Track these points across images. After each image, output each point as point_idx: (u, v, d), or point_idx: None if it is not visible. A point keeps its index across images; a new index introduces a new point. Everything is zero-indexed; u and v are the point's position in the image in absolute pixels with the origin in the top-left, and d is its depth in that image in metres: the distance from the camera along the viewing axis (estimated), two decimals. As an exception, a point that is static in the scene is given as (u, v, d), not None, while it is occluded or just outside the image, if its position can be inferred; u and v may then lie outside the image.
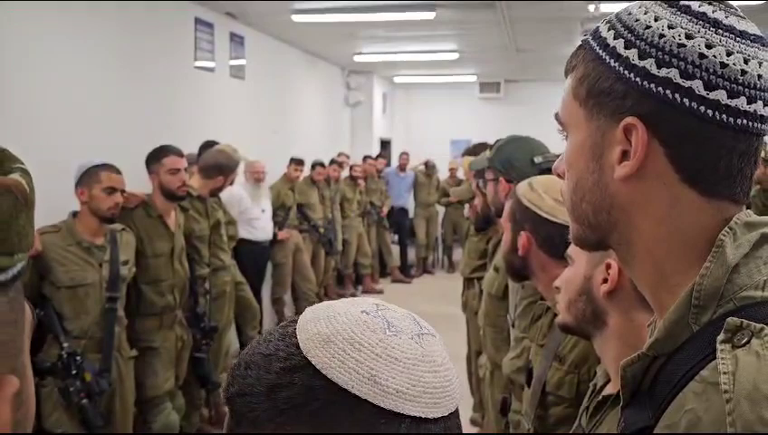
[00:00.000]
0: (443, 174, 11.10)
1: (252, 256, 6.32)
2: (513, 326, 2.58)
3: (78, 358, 3.37)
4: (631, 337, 1.33)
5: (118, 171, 3.65)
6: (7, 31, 3.97)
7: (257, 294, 6.32)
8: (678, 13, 0.80)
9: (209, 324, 4.68)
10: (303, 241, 7.70)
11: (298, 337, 0.73)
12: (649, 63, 0.79)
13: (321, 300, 6.77)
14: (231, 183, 5.43)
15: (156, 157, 4.15)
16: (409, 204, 11.26)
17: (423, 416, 0.70)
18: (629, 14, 0.84)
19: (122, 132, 4.87)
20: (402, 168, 11.10)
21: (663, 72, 0.78)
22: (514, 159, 2.72)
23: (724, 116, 0.78)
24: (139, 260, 3.95)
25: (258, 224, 6.48)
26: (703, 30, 0.79)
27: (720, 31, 0.79)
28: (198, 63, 6.20)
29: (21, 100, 4.05)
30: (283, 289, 7.37)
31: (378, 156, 10.63)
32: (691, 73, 0.78)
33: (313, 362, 0.70)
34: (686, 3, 0.81)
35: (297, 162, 7.52)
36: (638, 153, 0.80)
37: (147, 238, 4.05)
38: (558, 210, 1.93)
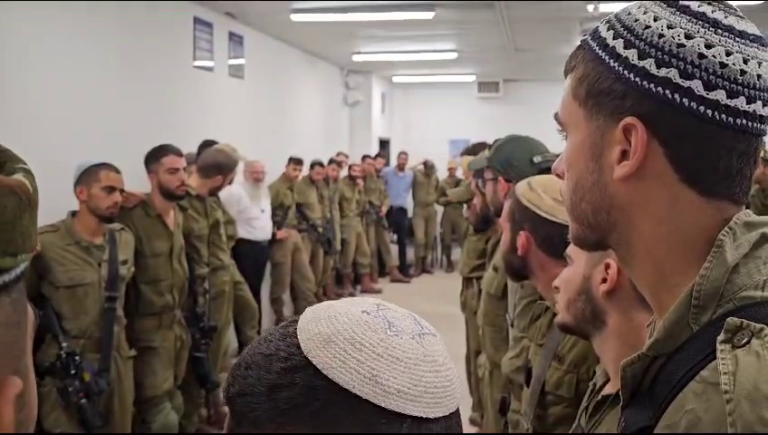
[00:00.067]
0: (442, 174, 11.10)
1: (251, 256, 6.32)
2: (512, 326, 2.58)
3: (77, 358, 3.37)
4: (630, 337, 1.33)
5: (117, 170, 3.65)
6: (7, 31, 3.97)
7: (256, 293, 6.32)
8: (678, 13, 0.80)
9: (208, 324, 4.67)
10: (302, 241, 7.70)
11: (299, 337, 0.73)
12: (649, 63, 0.79)
13: (319, 300, 6.81)
14: (230, 182, 5.43)
15: (155, 156, 4.15)
16: (408, 203, 11.26)
17: (424, 416, 0.70)
18: (629, 14, 0.84)
19: (121, 132, 4.87)
20: (401, 167, 11.10)
21: (662, 72, 0.78)
22: (513, 158, 2.72)
23: (723, 116, 0.78)
24: (137, 260, 3.95)
25: (257, 223, 6.48)
26: (702, 30, 0.79)
27: (719, 31, 0.79)
28: (197, 63, 6.20)
29: (20, 99, 4.04)
30: (282, 289, 7.37)
31: (376, 155, 10.63)
32: (690, 73, 0.78)
33: (314, 362, 0.70)
34: (686, 3, 0.81)
35: (296, 162, 7.52)
36: (638, 153, 0.80)
37: (146, 238, 4.05)
38: (557, 210, 1.93)
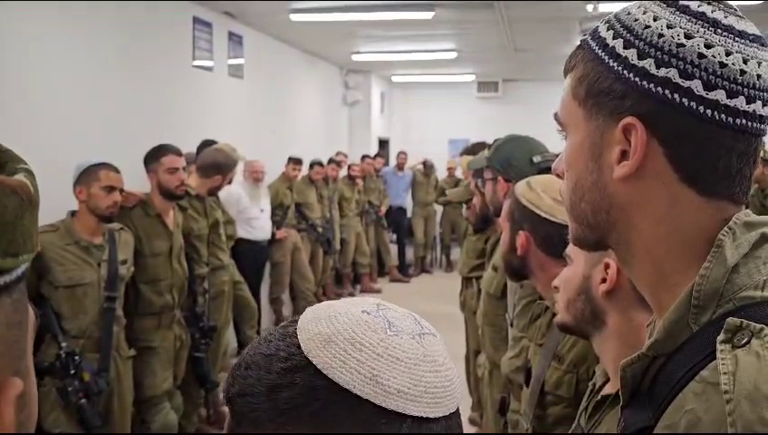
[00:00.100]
0: (441, 173, 11.10)
1: (250, 256, 6.33)
2: (511, 326, 2.58)
3: (76, 358, 3.37)
4: (630, 337, 1.33)
5: (116, 170, 3.65)
6: (7, 31, 3.97)
7: (256, 293, 6.33)
8: (677, 12, 0.80)
9: (208, 324, 4.67)
10: (302, 240, 7.70)
11: (299, 337, 0.73)
12: (648, 63, 0.79)
13: (319, 299, 6.81)
14: (229, 182, 5.43)
15: (154, 156, 4.15)
16: (407, 203, 11.27)
17: (424, 416, 0.70)
18: (628, 13, 0.84)
19: (120, 131, 4.88)
20: (400, 167, 11.11)
21: (662, 72, 0.78)
22: (513, 158, 2.72)
23: (723, 116, 0.78)
24: (137, 259, 3.94)
25: (257, 223, 6.48)
26: (702, 30, 0.79)
27: (719, 31, 0.79)
28: (197, 63, 6.21)
29: (20, 99, 4.05)
30: (282, 288, 7.37)
31: (376, 155, 10.64)
32: (690, 73, 0.78)
33: (314, 362, 0.70)
34: (685, 2, 0.81)
35: (295, 161, 7.52)
36: (638, 153, 0.80)
37: (145, 238, 4.04)
38: (556, 210, 1.93)
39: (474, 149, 5.36)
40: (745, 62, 0.78)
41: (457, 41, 8.81)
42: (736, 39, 0.79)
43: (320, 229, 8.09)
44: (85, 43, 4.62)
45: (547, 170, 2.27)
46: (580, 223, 0.90)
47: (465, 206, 4.17)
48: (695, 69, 0.78)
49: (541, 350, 2.01)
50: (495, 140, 2.95)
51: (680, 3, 0.81)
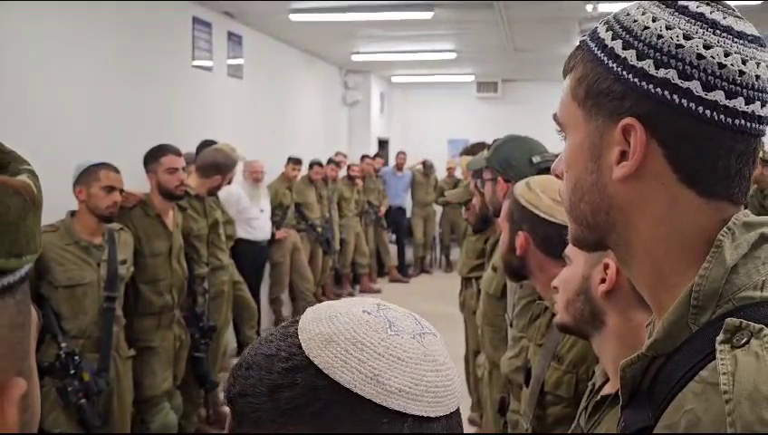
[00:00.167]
0: (441, 173, 11.11)
1: (250, 256, 6.33)
2: (511, 326, 2.58)
3: (76, 358, 3.37)
4: (630, 337, 1.34)
5: (116, 170, 3.65)
6: (7, 31, 3.97)
7: (255, 293, 6.32)
8: (676, 13, 0.81)
9: (207, 324, 4.67)
10: (301, 240, 7.70)
11: (300, 337, 0.73)
12: (648, 64, 0.79)
13: (318, 300, 6.82)
14: (229, 182, 5.43)
15: (154, 156, 4.15)
16: (407, 203, 11.27)
17: (425, 415, 0.70)
18: (627, 14, 0.84)
19: (120, 131, 4.88)
20: (399, 167, 11.11)
21: (661, 73, 0.79)
22: (512, 158, 2.72)
23: (722, 117, 0.78)
24: (137, 259, 3.94)
25: (257, 224, 6.48)
26: (701, 31, 0.79)
27: (718, 31, 0.79)
28: (196, 63, 6.21)
29: (19, 99, 4.04)
30: (281, 289, 7.37)
31: (375, 155, 10.64)
32: (689, 74, 0.78)
33: (316, 362, 0.70)
34: (684, 3, 0.81)
35: (295, 161, 7.53)
36: (637, 154, 0.80)
37: (145, 238, 4.04)
38: (556, 210, 1.93)
39: (473, 149, 5.36)
40: (744, 62, 0.78)
41: (457, 41, 8.81)
42: (735, 40, 0.79)
43: (319, 229, 8.09)
44: (85, 43, 4.62)
45: (546, 171, 2.26)
46: (580, 223, 0.90)
47: (463, 207, 4.16)
48: (694, 70, 0.78)
49: (540, 350, 2.01)
50: (495, 141, 2.95)
51: (679, 3, 0.81)
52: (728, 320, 0.73)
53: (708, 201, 0.81)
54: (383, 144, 12.59)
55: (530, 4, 6.40)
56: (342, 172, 9.34)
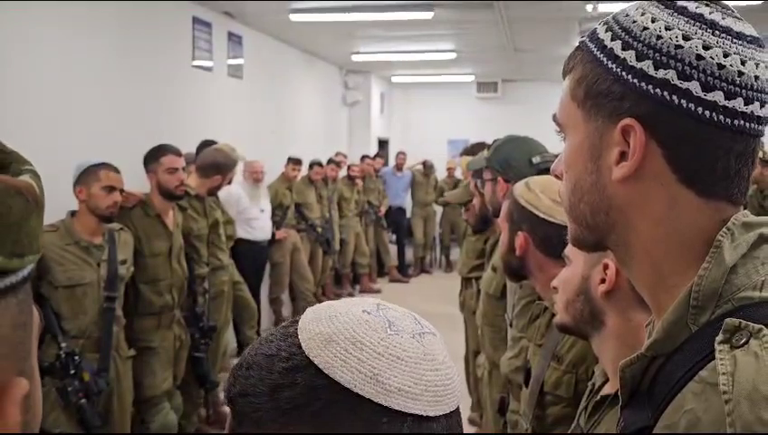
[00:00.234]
0: (441, 174, 11.11)
1: (250, 256, 6.33)
2: (510, 326, 2.58)
3: (76, 358, 3.37)
4: (629, 337, 1.34)
5: (117, 170, 3.66)
6: (7, 31, 3.97)
7: (255, 293, 6.32)
8: (675, 14, 0.81)
9: (208, 324, 4.68)
10: (301, 241, 7.70)
11: (300, 337, 0.73)
12: (647, 65, 0.79)
13: (318, 300, 6.82)
14: (229, 182, 5.43)
15: (154, 156, 4.15)
16: (407, 203, 11.27)
17: (425, 414, 0.70)
18: (627, 15, 0.84)
19: (120, 131, 4.88)
20: (399, 167, 11.11)
21: (661, 74, 0.79)
22: (512, 158, 2.72)
23: (721, 117, 0.78)
24: (137, 260, 3.95)
25: (257, 224, 6.48)
26: (700, 31, 0.79)
27: (717, 32, 0.79)
28: (196, 63, 6.21)
29: (20, 99, 4.04)
30: (281, 289, 7.37)
31: (375, 155, 10.64)
32: (689, 75, 0.78)
33: (315, 362, 0.70)
34: (683, 4, 0.81)
35: (295, 162, 7.53)
36: (636, 154, 0.80)
37: (145, 238, 4.05)
38: (555, 210, 1.93)
39: (473, 149, 5.37)
40: (743, 63, 0.78)
41: (457, 41, 8.81)
42: (734, 40, 0.79)
43: (319, 229, 8.09)
44: (85, 44, 4.63)
45: (546, 171, 2.26)
46: (579, 224, 0.90)
47: (463, 207, 4.17)
48: (693, 70, 0.78)
49: (540, 350, 2.01)
50: (495, 141, 2.95)
51: (678, 4, 0.81)
52: (727, 320, 0.73)
53: (707, 201, 0.81)
54: (383, 144, 12.60)
55: (530, 5, 6.41)
56: (342, 172, 9.34)
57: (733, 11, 0.82)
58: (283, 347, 0.73)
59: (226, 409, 0.75)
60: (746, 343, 0.71)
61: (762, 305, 0.75)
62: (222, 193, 5.21)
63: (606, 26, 0.86)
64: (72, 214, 3.60)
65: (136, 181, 4.15)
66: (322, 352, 0.71)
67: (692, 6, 0.81)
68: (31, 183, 0.59)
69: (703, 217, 0.81)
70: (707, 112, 0.78)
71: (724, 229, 0.79)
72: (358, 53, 9.52)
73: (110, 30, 4.89)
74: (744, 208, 0.83)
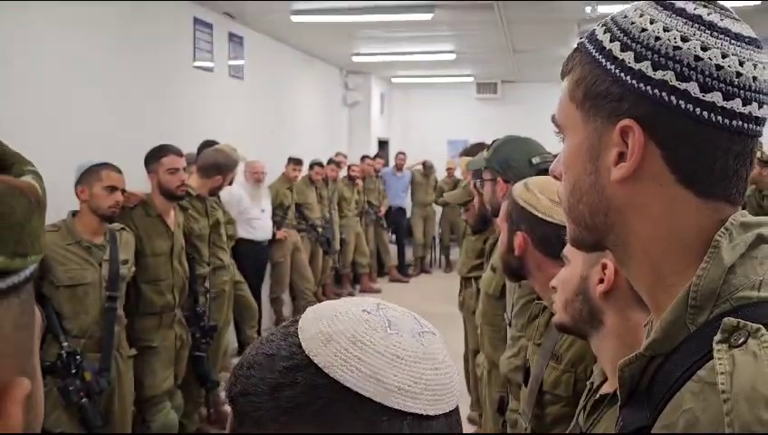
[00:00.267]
0: (440, 174, 11.11)
1: (251, 256, 6.33)
2: (510, 325, 2.58)
3: (77, 357, 3.37)
4: (628, 337, 1.34)
5: (118, 170, 3.66)
6: (7, 31, 3.97)
7: (256, 293, 6.33)
8: (674, 15, 0.81)
9: (209, 323, 4.68)
10: (301, 241, 7.71)
11: (300, 337, 0.74)
12: (645, 66, 0.80)
13: (318, 299, 6.82)
14: (230, 183, 5.43)
15: (155, 156, 4.16)
16: (407, 204, 11.27)
17: (425, 413, 0.71)
18: (625, 16, 0.85)
19: (121, 132, 4.88)
20: (399, 167, 11.11)
21: (659, 75, 0.79)
22: (512, 159, 2.72)
23: (719, 118, 0.78)
24: (138, 259, 3.95)
25: (257, 224, 6.49)
26: (698, 33, 0.79)
27: (715, 33, 0.79)
28: (197, 63, 6.21)
29: (20, 99, 4.05)
30: (282, 288, 7.38)
31: (375, 156, 10.64)
32: (687, 76, 0.78)
33: (316, 361, 0.70)
34: (682, 5, 0.82)
35: (295, 162, 7.53)
36: (635, 155, 0.81)
37: (146, 238, 4.05)
38: (554, 210, 1.94)
39: (473, 149, 5.36)
40: (741, 64, 0.79)
41: (456, 42, 8.81)
42: (732, 41, 0.79)
43: (319, 229, 8.10)
44: (85, 44, 4.63)
45: (546, 172, 2.26)
46: (578, 224, 0.91)
47: (462, 208, 4.17)
48: (691, 71, 0.78)
49: (539, 349, 2.01)
50: (494, 141, 2.96)
51: (677, 6, 0.82)
52: (726, 320, 0.74)
53: (706, 202, 0.81)
54: (383, 145, 12.60)
55: (529, 6, 6.41)
56: (343, 172, 9.34)
57: (731, 12, 0.83)
58: (284, 346, 0.73)
59: (227, 408, 0.75)
60: (745, 342, 0.71)
61: (760, 305, 0.76)
62: (224, 194, 5.22)
63: (605, 28, 0.86)
64: (74, 214, 3.60)
65: (137, 181, 4.15)
66: (323, 352, 0.71)
67: (690, 8, 0.81)
68: (33, 184, 0.59)
69: (701, 218, 0.81)
70: (706, 113, 0.78)
71: (722, 229, 0.80)
72: (358, 53, 9.52)
73: (110, 30, 4.89)
74: (743, 208, 0.84)
